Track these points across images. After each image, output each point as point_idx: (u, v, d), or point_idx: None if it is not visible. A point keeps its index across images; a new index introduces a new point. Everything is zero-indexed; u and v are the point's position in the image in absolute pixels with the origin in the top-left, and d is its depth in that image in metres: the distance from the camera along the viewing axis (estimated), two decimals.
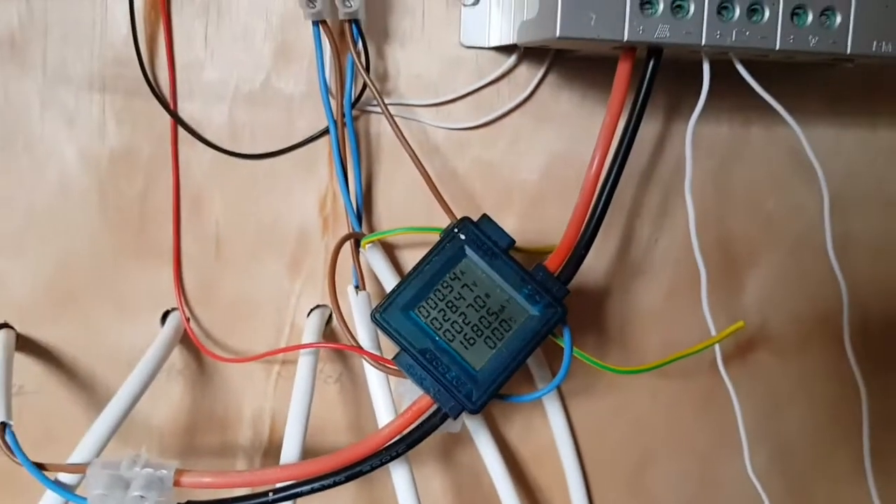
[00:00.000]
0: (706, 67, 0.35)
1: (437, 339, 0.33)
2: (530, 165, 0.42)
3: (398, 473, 0.36)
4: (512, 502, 0.41)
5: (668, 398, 0.45)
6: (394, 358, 0.33)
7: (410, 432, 0.33)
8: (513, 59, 0.40)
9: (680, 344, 0.44)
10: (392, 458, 0.33)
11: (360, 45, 0.37)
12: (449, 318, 0.33)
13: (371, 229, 0.41)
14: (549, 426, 0.44)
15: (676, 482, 0.46)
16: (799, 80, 0.42)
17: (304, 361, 0.38)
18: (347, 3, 0.35)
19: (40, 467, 0.32)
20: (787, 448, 0.46)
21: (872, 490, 0.42)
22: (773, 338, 0.45)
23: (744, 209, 0.44)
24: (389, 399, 0.37)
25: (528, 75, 0.40)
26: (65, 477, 0.33)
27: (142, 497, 0.30)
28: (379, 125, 0.40)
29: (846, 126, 0.44)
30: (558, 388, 0.44)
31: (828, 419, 0.46)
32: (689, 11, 0.32)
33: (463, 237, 0.33)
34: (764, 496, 0.41)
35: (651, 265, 0.44)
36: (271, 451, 0.42)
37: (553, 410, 0.44)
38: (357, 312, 0.38)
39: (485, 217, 0.34)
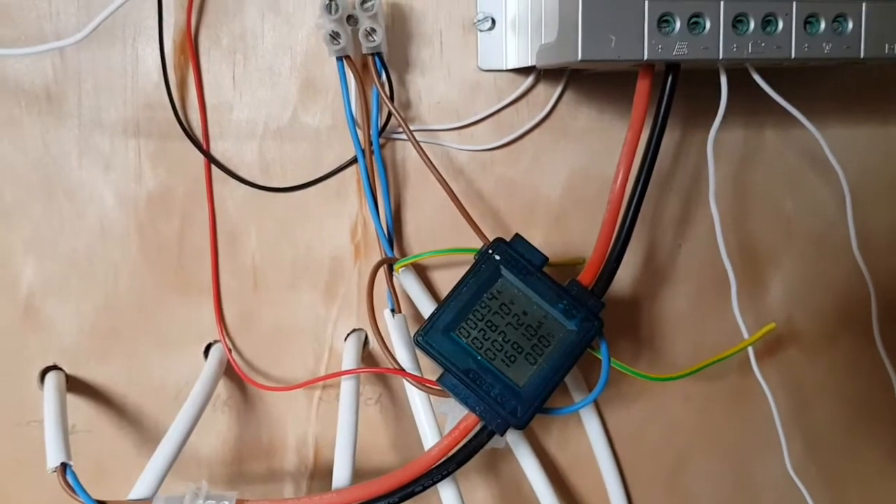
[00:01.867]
0: (723, 80, 0.36)
1: (479, 358, 0.34)
2: (552, 181, 0.43)
3: (446, 491, 0.37)
4: None
5: (699, 400, 0.46)
6: (438, 379, 0.34)
7: (458, 451, 0.34)
8: (530, 79, 0.41)
9: (708, 346, 0.45)
10: (443, 478, 0.34)
11: (383, 76, 0.38)
12: (489, 338, 0.34)
13: (402, 253, 0.42)
14: (585, 434, 0.45)
15: (712, 482, 0.47)
16: (811, 82, 0.43)
17: (346, 386, 0.39)
18: (371, 38, 0.36)
19: None
20: (819, 443, 0.46)
21: None
22: (800, 335, 0.46)
23: (763, 211, 0.45)
24: (433, 419, 0.38)
25: (546, 94, 0.42)
26: None
27: None
28: (404, 151, 0.41)
29: (859, 124, 0.44)
30: (584, 406, 0.44)
31: (858, 412, 0.46)
32: (705, 27, 0.33)
33: (498, 258, 0.34)
34: (805, 492, 0.41)
35: (676, 271, 0.45)
36: (317, 474, 0.43)
37: (589, 418, 0.45)
38: (395, 335, 0.39)
39: (518, 237, 0.35)
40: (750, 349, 0.40)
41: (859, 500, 0.47)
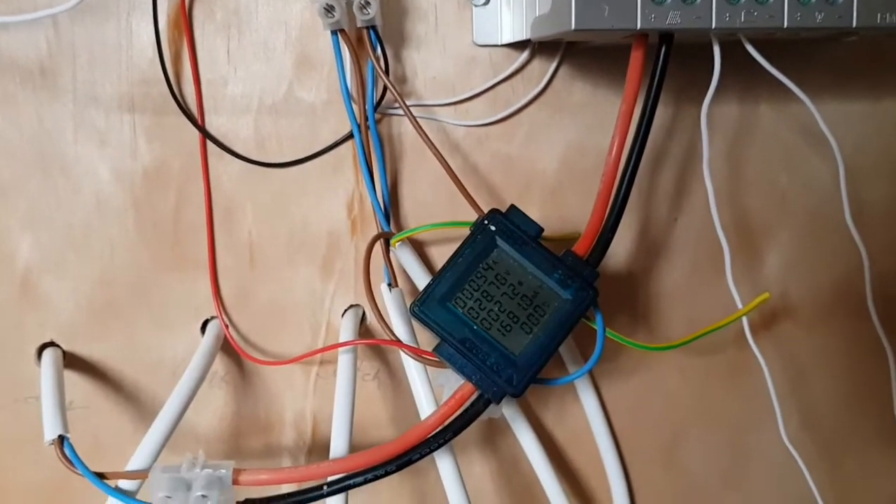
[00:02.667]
0: (716, 50, 0.36)
1: (475, 327, 0.34)
2: (548, 156, 0.43)
3: (443, 461, 0.37)
4: (552, 484, 0.42)
5: (696, 374, 0.46)
6: (435, 349, 0.34)
7: (455, 419, 0.34)
8: (525, 54, 0.41)
9: (704, 320, 0.45)
10: (440, 445, 0.34)
11: (378, 50, 0.38)
12: (485, 307, 0.34)
13: (398, 228, 0.42)
14: (582, 409, 0.45)
15: (710, 455, 0.47)
16: (804, 57, 0.43)
17: (344, 359, 0.39)
18: (365, 10, 0.36)
19: (100, 476, 0.34)
20: (815, 416, 0.47)
21: None
22: (795, 309, 0.46)
23: (758, 185, 0.45)
24: (430, 390, 0.38)
25: (541, 69, 0.42)
26: (124, 484, 0.34)
27: (204, 496, 0.31)
28: (400, 127, 0.41)
29: (853, 99, 0.45)
30: (589, 371, 0.45)
31: (854, 385, 0.47)
32: None
33: (493, 228, 0.34)
34: (799, 461, 0.42)
35: (671, 245, 0.45)
36: (315, 449, 0.44)
37: (585, 393, 0.45)
38: (392, 309, 0.39)
39: (513, 207, 0.35)
40: (744, 320, 0.40)
41: (853, 471, 0.48)
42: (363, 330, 0.43)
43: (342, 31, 0.38)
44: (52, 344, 0.41)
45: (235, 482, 0.32)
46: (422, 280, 0.40)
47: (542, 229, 0.35)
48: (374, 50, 0.38)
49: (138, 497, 0.34)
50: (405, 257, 0.40)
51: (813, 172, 0.45)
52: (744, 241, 0.45)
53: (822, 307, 0.46)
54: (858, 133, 0.44)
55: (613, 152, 0.35)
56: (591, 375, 0.45)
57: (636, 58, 0.35)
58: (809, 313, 0.46)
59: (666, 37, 0.35)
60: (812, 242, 0.45)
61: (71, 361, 0.41)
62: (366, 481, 0.33)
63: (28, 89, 0.38)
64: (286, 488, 0.37)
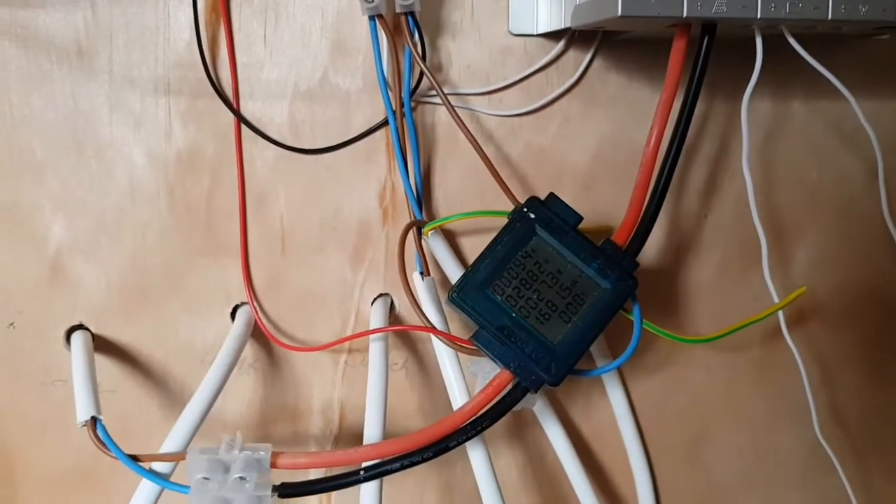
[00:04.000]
0: (759, 41, 0.36)
1: (513, 315, 0.34)
2: (580, 148, 0.43)
3: (475, 451, 0.37)
4: (578, 477, 0.42)
5: (722, 371, 0.46)
6: (472, 336, 0.34)
7: (492, 408, 0.34)
8: (560, 44, 0.41)
9: (733, 318, 0.44)
10: (478, 433, 0.34)
11: (416, 36, 0.38)
12: (524, 295, 0.34)
13: (430, 217, 0.42)
14: (608, 405, 0.45)
15: (734, 454, 0.47)
16: (837, 54, 0.42)
17: (375, 347, 0.39)
18: None
19: (134, 458, 0.33)
20: (842, 415, 0.47)
21: None
22: (824, 307, 0.46)
23: (789, 182, 0.45)
24: (462, 379, 0.38)
25: (576, 60, 0.41)
26: (157, 466, 0.34)
27: (242, 478, 0.31)
28: (433, 115, 0.41)
29: (885, 97, 0.45)
30: (618, 367, 0.44)
31: (882, 384, 0.46)
32: None
33: (533, 216, 0.34)
34: (834, 458, 0.41)
35: (701, 241, 0.45)
36: (342, 438, 0.43)
37: (613, 388, 0.45)
38: (424, 297, 0.39)
39: (552, 196, 0.35)
40: (780, 314, 0.40)
41: (880, 471, 0.48)
42: (392, 319, 0.43)
43: (380, 16, 0.37)
44: (81, 327, 0.41)
45: (273, 465, 0.32)
46: (453, 269, 0.40)
47: (581, 218, 0.35)
48: (412, 36, 0.38)
49: (172, 480, 0.33)
50: (437, 246, 0.40)
51: (844, 169, 0.45)
52: (774, 238, 0.45)
53: (851, 305, 0.46)
54: (890, 129, 0.44)
55: (653, 140, 0.35)
56: (619, 371, 0.45)
57: (678, 47, 0.35)
58: (838, 311, 0.46)
59: (709, 27, 0.34)
60: (842, 240, 0.45)
61: (100, 345, 0.41)
62: (402, 467, 0.33)
63: (64, 69, 0.38)
64: (315, 474, 0.37)
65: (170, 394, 0.42)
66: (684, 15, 0.33)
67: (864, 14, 0.34)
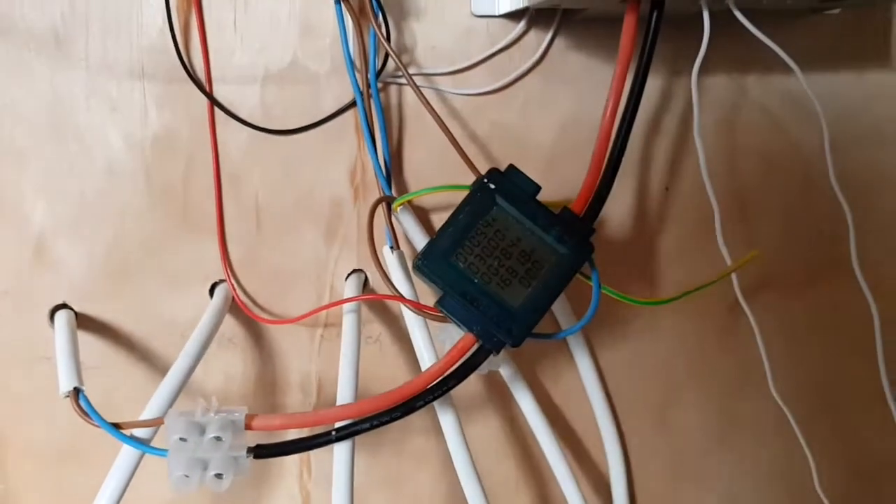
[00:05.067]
0: (706, 16, 0.37)
1: (475, 281, 0.35)
2: (544, 126, 0.44)
3: (445, 416, 0.39)
4: (549, 442, 0.43)
5: (688, 336, 0.48)
6: (437, 302, 0.35)
7: (457, 369, 0.36)
8: (522, 25, 0.43)
9: (694, 284, 0.46)
10: (443, 393, 0.35)
11: (380, 17, 0.40)
12: (485, 262, 0.35)
13: (399, 194, 0.43)
14: (576, 370, 0.46)
15: (702, 416, 0.48)
16: (788, 29, 0.44)
17: (348, 319, 0.40)
18: None
19: (116, 426, 0.35)
20: (804, 374, 0.48)
21: (894, 410, 0.45)
22: (783, 273, 0.47)
23: (747, 155, 0.46)
24: (431, 345, 0.39)
25: (537, 40, 0.43)
26: (138, 433, 0.35)
27: (218, 438, 0.32)
28: (400, 96, 0.43)
29: (836, 70, 0.46)
30: (586, 335, 0.46)
31: (841, 344, 0.48)
32: None
33: (493, 186, 0.36)
34: (788, 414, 0.43)
35: (663, 212, 0.46)
36: (320, 409, 0.45)
37: (580, 354, 0.46)
38: (394, 270, 0.40)
39: (511, 167, 0.36)
40: (734, 278, 0.42)
41: (841, 428, 0.49)
42: (366, 293, 0.44)
43: (345, 0, 0.39)
44: (64, 306, 0.42)
45: (248, 427, 0.33)
46: (423, 243, 0.41)
47: (539, 187, 0.36)
48: (377, 18, 0.39)
49: (151, 446, 0.35)
50: (406, 221, 0.42)
51: (799, 141, 0.46)
52: (734, 206, 0.46)
53: (810, 269, 0.47)
54: (843, 102, 0.46)
55: (608, 112, 0.37)
56: (586, 337, 0.46)
57: (629, 22, 0.36)
58: (798, 275, 0.48)
59: (658, 2, 0.36)
60: (800, 207, 0.47)
61: (83, 323, 0.42)
62: (372, 427, 0.35)
63: (43, 57, 0.40)
64: (292, 435, 0.39)
65: (152, 368, 0.43)
66: None
67: None
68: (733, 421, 0.48)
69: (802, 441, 0.44)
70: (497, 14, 0.42)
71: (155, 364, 0.43)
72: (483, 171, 0.37)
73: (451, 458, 0.39)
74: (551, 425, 0.44)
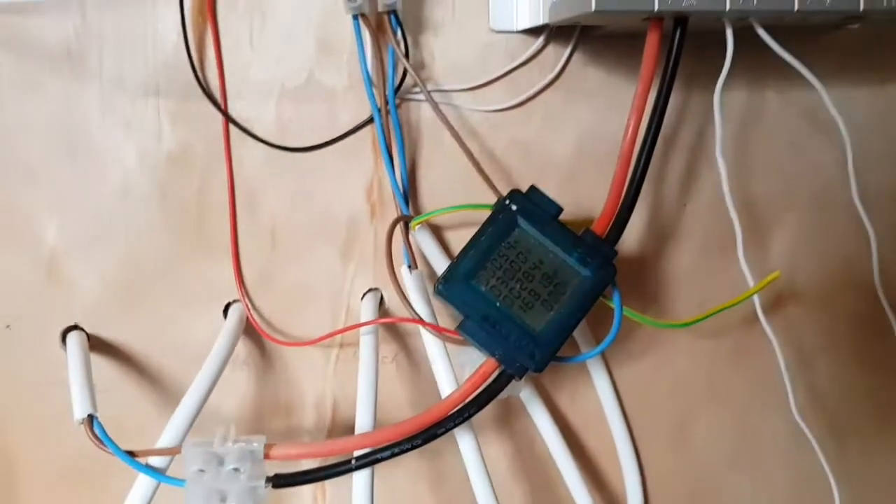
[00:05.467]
0: (729, 33, 0.37)
1: (497, 304, 0.35)
2: (563, 141, 0.44)
3: (464, 439, 0.38)
4: (567, 463, 0.43)
5: (704, 355, 0.47)
6: (458, 326, 0.35)
7: (478, 395, 0.35)
8: (540, 40, 0.42)
9: (713, 302, 0.45)
10: (465, 420, 0.35)
11: (399, 34, 0.39)
12: (507, 285, 0.35)
13: (416, 212, 0.43)
14: (594, 392, 0.46)
15: (718, 435, 0.48)
16: (810, 44, 0.43)
17: (366, 340, 0.40)
18: None
19: (131, 454, 0.34)
20: (822, 395, 0.48)
21: None
22: (801, 291, 0.47)
23: (764, 170, 0.46)
24: (450, 368, 0.38)
25: (556, 55, 0.42)
26: (154, 461, 0.34)
27: (236, 470, 0.32)
28: (418, 112, 0.42)
29: (856, 85, 0.46)
30: (602, 354, 0.46)
31: (860, 364, 0.48)
32: None
33: (515, 208, 0.35)
34: (809, 435, 0.42)
35: (680, 228, 0.46)
36: (335, 431, 0.44)
37: (598, 375, 0.46)
38: (412, 290, 0.40)
39: (533, 188, 0.36)
40: (755, 299, 0.41)
41: (859, 449, 0.49)
42: (382, 312, 0.44)
43: (363, 15, 0.38)
44: (76, 327, 0.41)
45: (266, 456, 0.33)
46: (440, 262, 0.41)
47: (561, 209, 0.36)
48: (395, 34, 0.39)
49: (167, 474, 0.34)
50: (424, 240, 0.41)
51: (818, 157, 0.46)
52: (751, 225, 0.46)
53: (828, 288, 0.47)
54: (864, 117, 0.45)
55: (630, 132, 0.36)
56: (604, 357, 0.46)
57: (652, 41, 0.36)
58: (816, 294, 0.47)
59: (681, 20, 0.36)
60: (818, 225, 0.46)
61: (95, 344, 0.41)
62: (392, 455, 0.34)
63: (56, 74, 0.39)
64: (307, 464, 0.38)
65: (165, 391, 0.43)
66: (656, 9, 0.34)
67: (830, 4, 0.35)
68: (752, 441, 0.48)
69: (823, 461, 0.44)
70: (516, 30, 0.42)
71: (168, 386, 0.43)
72: (501, 188, 0.37)
73: (467, 479, 0.38)
74: (568, 446, 0.43)
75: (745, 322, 0.46)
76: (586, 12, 0.34)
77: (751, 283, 0.40)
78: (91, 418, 0.35)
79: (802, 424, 0.43)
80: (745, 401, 0.48)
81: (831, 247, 0.47)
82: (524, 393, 0.44)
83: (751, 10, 0.35)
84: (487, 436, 0.46)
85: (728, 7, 0.34)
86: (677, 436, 0.48)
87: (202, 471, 0.32)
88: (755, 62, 0.43)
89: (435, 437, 0.34)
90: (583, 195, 0.44)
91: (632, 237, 0.45)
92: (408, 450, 0.34)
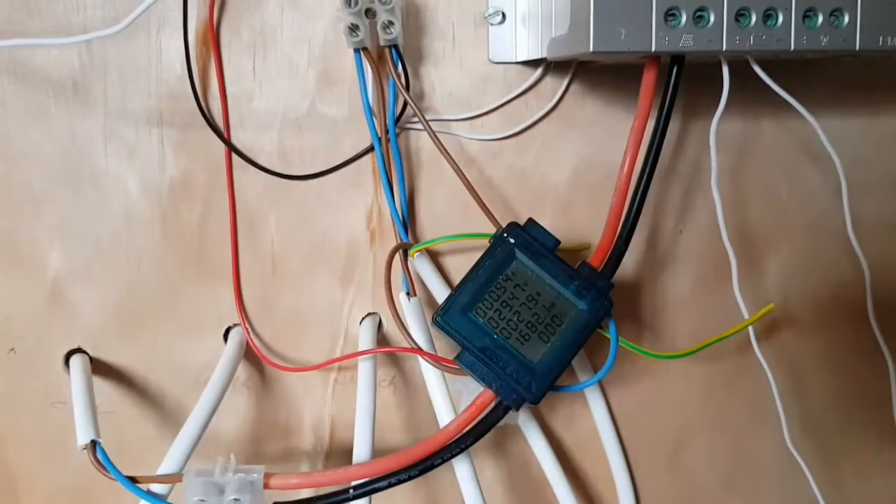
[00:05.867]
0: (726, 71, 0.37)
1: (495, 336, 0.35)
2: (559, 170, 0.44)
3: (461, 466, 0.38)
4: (562, 488, 0.44)
5: (699, 381, 0.47)
6: (456, 357, 0.35)
7: (475, 426, 0.36)
8: (538, 72, 0.43)
9: (708, 330, 0.46)
10: (461, 451, 0.35)
11: (399, 67, 0.40)
12: (505, 317, 0.35)
13: (415, 239, 0.43)
14: (590, 415, 0.46)
15: (713, 459, 0.48)
16: (805, 74, 0.44)
17: (364, 367, 0.40)
18: (388, 30, 0.38)
19: (133, 480, 0.35)
20: (815, 421, 0.48)
21: None
22: (795, 318, 0.47)
23: (759, 199, 0.46)
24: (448, 397, 0.39)
25: (554, 86, 0.43)
26: (155, 488, 0.35)
27: (237, 500, 0.32)
28: (417, 141, 0.43)
29: (850, 115, 0.46)
30: (595, 383, 0.46)
31: (853, 391, 0.48)
32: (709, 20, 0.34)
33: (512, 241, 0.36)
34: (802, 464, 0.43)
35: (676, 257, 0.46)
36: (332, 453, 0.45)
37: (594, 399, 0.46)
38: (410, 317, 0.40)
39: (531, 221, 0.36)
40: (750, 329, 0.42)
41: (853, 477, 0.49)
42: (380, 337, 0.44)
43: (365, 49, 0.39)
44: (79, 350, 0.42)
45: (266, 486, 0.33)
46: (439, 289, 0.41)
47: (558, 242, 0.36)
48: (396, 67, 0.39)
49: (168, 501, 0.35)
50: (423, 268, 0.42)
51: (812, 186, 0.46)
52: (745, 253, 0.46)
53: (821, 316, 0.47)
54: (857, 149, 0.46)
55: (626, 167, 0.37)
56: (599, 382, 0.46)
57: (649, 77, 0.36)
58: (809, 322, 0.47)
59: (678, 58, 0.36)
60: (811, 254, 0.47)
61: (97, 367, 0.42)
62: (390, 485, 0.35)
63: (61, 104, 0.40)
64: (306, 492, 0.39)
65: (166, 413, 0.43)
66: (653, 49, 0.34)
67: (826, 44, 0.36)
68: (745, 465, 0.48)
69: (815, 487, 0.44)
70: (514, 61, 0.42)
71: (170, 409, 0.43)
72: (499, 216, 0.38)
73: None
74: (564, 470, 0.44)
75: (739, 348, 0.47)
76: (584, 52, 0.34)
77: (745, 314, 0.41)
78: (94, 444, 0.35)
79: (795, 453, 0.43)
80: (739, 425, 0.48)
81: (824, 275, 0.47)
82: (520, 418, 0.44)
83: (746, 49, 0.35)
84: (483, 460, 0.46)
85: (724, 47, 0.35)
86: (672, 459, 0.48)
87: (203, 501, 0.33)
88: (750, 91, 0.43)
89: (432, 468, 0.35)
90: (579, 222, 0.45)
91: (629, 263, 0.46)
92: (405, 480, 0.35)
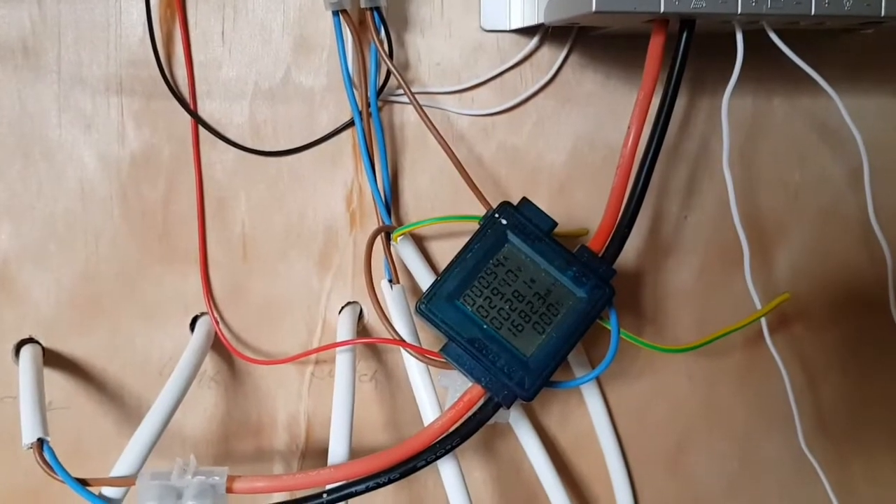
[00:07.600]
0: (739, 37, 0.34)
1: (484, 327, 0.32)
2: (556, 148, 0.41)
3: (446, 468, 0.36)
4: (556, 489, 0.41)
5: (704, 377, 0.45)
6: (441, 349, 0.32)
7: (462, 424, 0.33)
8: (535, 41, 0.40)
9: (713, 321, 0.44)
10: (446, 452, 0.32)
11: (382, 32, 0.36)
12: (495, 306, 0.32)
13: (399, 222, 0.40)
14: (586, 413, 0.44)
15: (717, 461, 0.46)
16: (821, 49, 0.41)
17: (342, 359, 0.37)
18: None
19: (83, 483, 0.31)
20: (825, 419, 0.46)
21: None
22: (807, 309, 0.45)
23: (770, 182, 0.43)
24: (433, 392, 0.36)
25: (551, 57, 0.40)
26: (109, 491, 0.32)
27: None
28: (402, 115, 0.40)
29: (868, 93, 0.43)
30: (593, 378, 0.43)
31: (865, 387, 0.46)
32: None
33: (504, 222, 0.33)
34: (817, 466, 0.40)
35: (681, 243, 0.43)
36: (308, 453, 0.42)
37: (591, 396, 0.44)
38: (393, 306, 0.38)
39: (525, 200, 0.33)
40: (763, 320, 0.39)
41: (863, 476, 0.47)
42: (361, 328, 0.41)
43: (344, 11, 0.36)
44: (31, 340, 0.39)
45: (229, 490, 0.30)
46: (424, 277, 0.39)
47: (555, 224, 0.33)
48: (378, 32, 0.36)
49: None
50: (407, 253, 0.39)
51: (826, 170, 0.43)
52: (755, 239, 0.43)
53: (835, 306, 0.45)
54: (874, 129, 0.43)
55: (630, 143, 0.34)
56: (597, 379, 0.43)
57: (656, 44, 0.33)
58: (821, 314, 0.45)
59: (688, 23, 0.33)
60: (824, 241, 0.44)
61: (51, 359, 0.39)
62: (367, 489, 0.32)
63: (9, 69, 0.36)
64: (278, 496, 0.35)
65: (126, 409, 0.40)
66: (661, 10, 0.31)
67: (849, 8, 0.33)
68: (752, 467, 0.46)
69: (829, 489, 0.42)
70: (508, 29, 0.39)
71: (129, 404, 0.40)
72: (490, 197, 0.35)
73: None
74: (558, 471, 0.41)
75: (746, 342, 0.44)
76: (586, 13, 0.31)
77: (758, 304, 0.38)
78: (41, 442, 0.32)
79: (810, 456, 0.41)
80: (746, 425, 0.45)
81: (837, 263, 0.44)
82: (511, 412, 0.41)
83: (764, 13, 0.32)
84: (471, 461, 0.43)
85: (740, 10, 0.32)
86: (674, 461, 0.45)
87: None
88: (762, 66, 0.40)
89: (414, 470, 0.32)
90: (576, 205, 0.42)
91: (630, 250, 0.43)
92: (384, 484, 0.32)
